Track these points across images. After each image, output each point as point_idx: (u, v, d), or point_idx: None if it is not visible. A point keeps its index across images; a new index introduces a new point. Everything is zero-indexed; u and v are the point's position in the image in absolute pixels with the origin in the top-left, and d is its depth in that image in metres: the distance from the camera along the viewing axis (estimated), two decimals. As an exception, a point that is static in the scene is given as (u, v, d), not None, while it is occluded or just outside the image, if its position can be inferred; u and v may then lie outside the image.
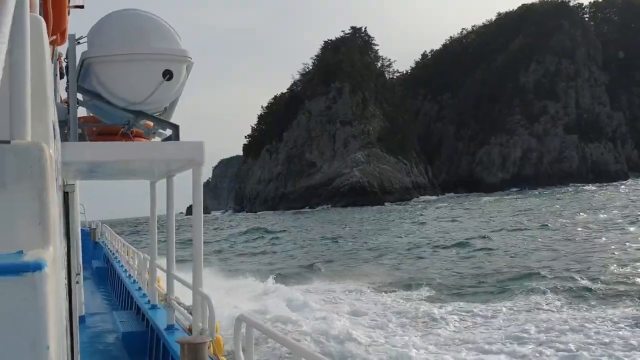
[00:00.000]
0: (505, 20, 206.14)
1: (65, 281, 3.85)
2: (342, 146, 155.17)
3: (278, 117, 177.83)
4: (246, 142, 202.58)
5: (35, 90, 1.48)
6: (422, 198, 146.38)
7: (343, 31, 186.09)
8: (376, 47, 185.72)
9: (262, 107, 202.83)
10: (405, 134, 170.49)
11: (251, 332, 4.95)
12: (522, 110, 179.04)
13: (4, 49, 1.04)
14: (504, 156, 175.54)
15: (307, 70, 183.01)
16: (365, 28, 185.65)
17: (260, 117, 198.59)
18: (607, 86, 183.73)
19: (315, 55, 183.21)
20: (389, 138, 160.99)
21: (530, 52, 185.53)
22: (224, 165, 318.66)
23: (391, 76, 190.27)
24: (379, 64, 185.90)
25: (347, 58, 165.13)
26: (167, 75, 5.82)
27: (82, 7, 6.71)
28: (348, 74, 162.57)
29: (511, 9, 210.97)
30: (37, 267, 1.08)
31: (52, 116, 1.82)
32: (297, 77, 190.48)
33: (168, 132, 6.76)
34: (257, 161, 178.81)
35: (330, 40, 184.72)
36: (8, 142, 1.22)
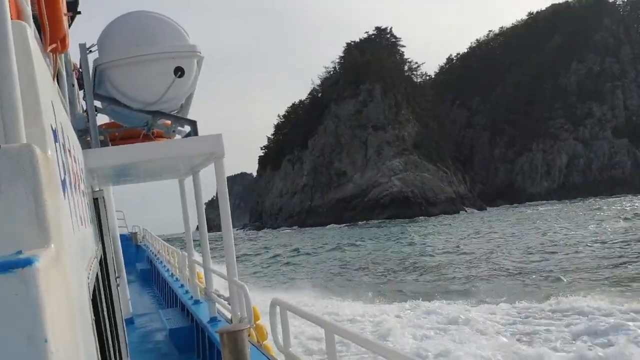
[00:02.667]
0: (536, 20, 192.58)
1: (102, 284, 3.94)
2: (375, 153, 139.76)
3: (299, 125, 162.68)
4: (262, 154, 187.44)
5: (25, 95, 1.52)
6: (469, 210, 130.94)
7: (367, 32, 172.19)
8: (402, 49, 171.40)
9: (278, 115, 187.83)
10: (438, 140, 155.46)
11: (286, 315, 5.06)
12: (565, 114, 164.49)
13: None
14: (548, 163, 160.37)
15: (331, 73, 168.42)
16: (391, 28, 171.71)
17: (278, 127, 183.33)
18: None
19: (339, 57, 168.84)
20: (425, 144, 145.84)
21: (569, 52, 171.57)
22: (228, 183, 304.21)
23: (419, 79, 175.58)
24: (406, 67, 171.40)
25: (375, 58, 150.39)
26: (179, 72, 5.88)
27: (79, 13, 6.12)
28: (378, 75, 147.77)
29: (540, 9, 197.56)
30: (27, 263, 1.11)
31: (51, 120, 1.90)
32: (318, 82, 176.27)
33: (187, 128, 6.73)
34: (276, 173, 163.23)
35: (354, 41, 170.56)
36: None
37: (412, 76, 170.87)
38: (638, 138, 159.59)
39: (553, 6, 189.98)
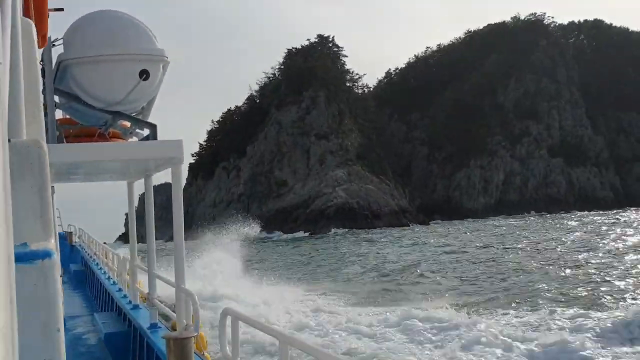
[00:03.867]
0: (473, 39, 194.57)
1: None
2: (318, 162, 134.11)
3: (236, 131, 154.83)
4: (193, 161, 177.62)
5: (28, 92, 1.55)
6: (412, 225, 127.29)
7: (309, 39, 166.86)
8: (344, 59, 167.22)
9: (212, 121, 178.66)
10: (379, 152, 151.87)
11: (237, 325, 4.97)
12: (503, 131, 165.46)
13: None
14: (485, 180, 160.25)
15: (270, 79, 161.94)
16: (333, 37, 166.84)
17: (211, 133, 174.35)
18: (586, 109, 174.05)
19: (279, 63, 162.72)
20: (368, 156, 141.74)
21: (507, 71, 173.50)
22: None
23: (360, 91, 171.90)
24: (348, 77, 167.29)
25: (320, 65, 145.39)
26: (144, 74, 5.82)
27: (62, 9, 6.35)
28: (322, 82, 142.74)
29: (478, 27, 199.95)
30: (46, 254, 1.15)
31: (44, 117, 1.89)
32: (256, 87, 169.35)
33: (145, 132, 6.69)
34: (209, 181, 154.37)
35: (295, 48, 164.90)
36: (8, 140, 1.26)
37: (354, 87, 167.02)
38: (572, 158, 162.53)
39: (490, 26, 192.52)
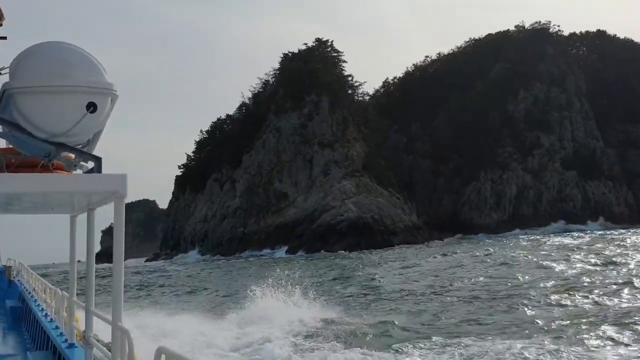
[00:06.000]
0: (476, 47, 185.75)
1: None
2: (322, 174, 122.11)
3: (229, 140, 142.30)
4: (180, 174, 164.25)
5: None
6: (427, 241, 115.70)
7: (306, 43, 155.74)
8: (344, 64, 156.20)
9: (201, 131, 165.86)
10: (383, 164, 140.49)
11: None
12: (513, 142, 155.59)
13: None
14: (497, 194, 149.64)
15: (265, 85, 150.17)
16: (332, 42, 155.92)
17: (200, 143, 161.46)
18: (595, 120, 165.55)
19: (275, 69, 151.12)
20: (374, 167, 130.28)
21: (515, 80, 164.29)
22: (128, 211, 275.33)
23: (360, 98, 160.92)
24: (347, 84, 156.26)
25: (322, 67, 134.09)
26: (91, 107, 5.73)
27: (4, 38, 6.45)
28: (325, 87, 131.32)
29: (480, 36, 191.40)
30: None
31: None
32: (249, 95, 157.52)
33: (90, 165, 6.62)
34: (200, 194, 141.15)
35: (292, 52, 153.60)
36: None
37: (354, 95, 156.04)
38: (585, 171, 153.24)
39: (497, 34, 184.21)
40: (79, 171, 6.80)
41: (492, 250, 63.76)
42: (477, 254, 58.96)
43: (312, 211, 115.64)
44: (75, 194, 6.56)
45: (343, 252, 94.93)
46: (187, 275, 64.38)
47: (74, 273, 9.35)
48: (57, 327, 11.29)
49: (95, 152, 6.57)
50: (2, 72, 6.12)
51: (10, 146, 6.82)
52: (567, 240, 75.62)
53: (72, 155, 6.47)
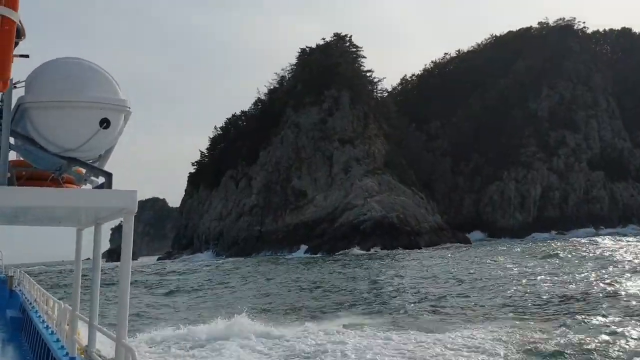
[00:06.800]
0: (497, 44, 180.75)
1: None
2: (342, 171, 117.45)
3: (244, 136, 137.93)
4: (193, 171, 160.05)
5: None
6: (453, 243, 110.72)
7: (323, 38, 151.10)
8: (363, 60, 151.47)
9: (215, 127, 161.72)
10: (404, 162, 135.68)
11: None
12: (537, 141, 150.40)
13: None
14: (522, 194, 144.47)
15: (283, 80, 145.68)
16: (351, 36, 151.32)
17: (214, 140, 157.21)
18: (622, 119, 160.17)
19: (292, 64, 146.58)
20: (396, 164, 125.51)
21: (538, 77, 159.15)
22: (137, 209, 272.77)
23: (378, 95, 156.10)
24: (367, 80, 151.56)
25: (342, 61, 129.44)
26: (105, 123, 5.78)
27: (27, 56, 6.40)
28: (345, 81, 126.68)
29: (502, 32, 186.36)
30: None
31: None
32: (264, 91, 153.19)
33: (100, 180, 6.63)
34: (214, 192, 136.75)
35: (309, 47, 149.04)
36: None
37: (374, 91, 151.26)
38: (613, 172, 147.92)
39: (518, 31, 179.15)
40: (88, 185, 6.74)
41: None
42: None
43: (333, 210, 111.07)
44: (83, 209, 6.43)
45: (377, 250, 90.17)
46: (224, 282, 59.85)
47: (78, 287, 9.19)
48: (58, 340, 11.07)
49: (107, 168, 6.57)
50: (18, 85, 6.09)
51: (22, 158, 6.80)
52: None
53: (83, 170, 6.39)
